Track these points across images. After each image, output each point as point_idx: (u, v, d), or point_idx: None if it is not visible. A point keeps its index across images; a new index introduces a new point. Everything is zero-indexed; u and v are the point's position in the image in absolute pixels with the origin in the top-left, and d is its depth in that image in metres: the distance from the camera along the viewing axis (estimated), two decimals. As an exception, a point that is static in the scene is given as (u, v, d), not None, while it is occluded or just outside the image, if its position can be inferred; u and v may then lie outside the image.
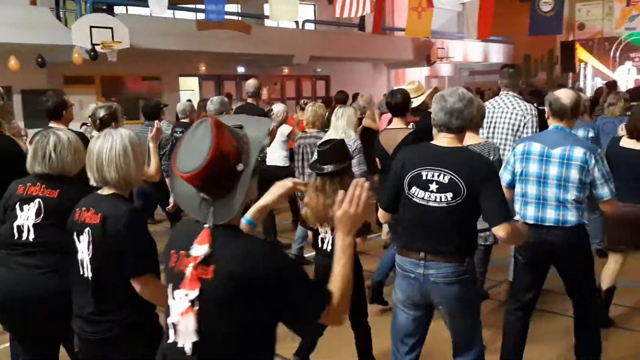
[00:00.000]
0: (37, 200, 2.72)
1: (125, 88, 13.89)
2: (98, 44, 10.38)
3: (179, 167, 1.56)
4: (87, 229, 2.32)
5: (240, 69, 16.55)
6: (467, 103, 2.72)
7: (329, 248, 3.32)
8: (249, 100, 6.70)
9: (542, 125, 4.30)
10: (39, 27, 10.26)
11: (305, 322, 1.72)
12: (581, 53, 22.26)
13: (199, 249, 1.58)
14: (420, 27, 12.81)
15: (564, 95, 3.36)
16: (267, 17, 12.56)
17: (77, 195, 2.56)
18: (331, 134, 4.97)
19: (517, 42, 21.94)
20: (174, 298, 1.65)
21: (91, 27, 10.35)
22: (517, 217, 3.37)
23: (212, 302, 1.58)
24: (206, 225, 1.59)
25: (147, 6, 10.62)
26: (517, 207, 3.41)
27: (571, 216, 3.24)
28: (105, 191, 2.42)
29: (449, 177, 2.63)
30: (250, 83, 6.66)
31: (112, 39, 10.57)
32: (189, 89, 15.51)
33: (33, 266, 2.69)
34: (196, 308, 1.58)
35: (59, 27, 10.89)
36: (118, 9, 12.96)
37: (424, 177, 2.70)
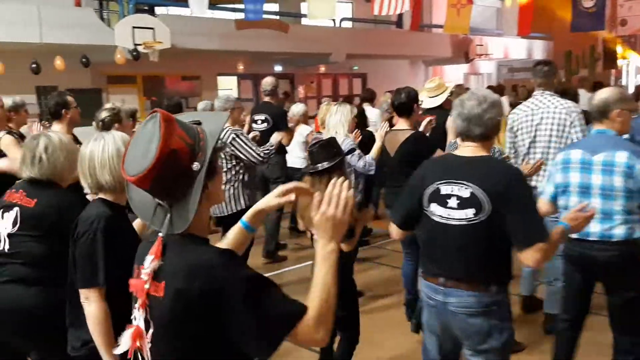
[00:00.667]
0: (15, 209, 2.59)
1: (165, 87, 14.12)
2: (140, 44, 10.58)
3: (126, 170, 1.38)
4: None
5: (277, 68, 16.65)
6: (488, 107, 2.38)
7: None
8: (266, 99, 6.50)
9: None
10: (83, 28, 10.51)
11: (267, 343, 1.38)
12: (625, 51, 21.67)
13: (148, 263, 1.42)
14: (459, 24, 12.68)
15: (604, 94, 3.07)
16: (305, 15, 12.60)
17: (61, 204, 2.50)
18: (324, 133, 4.84)
19: (557, 38, 21.46)
20: (135, 318, 1.49)
21: (133, 27, 10.56)
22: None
23: (162, 324, 1.41)
24: (160, 234, 1.42)
25: (188, 6, 10.77)
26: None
27: (619, 229, 2.93)
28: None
29: (469, 191, 2.30)
30: (267, 81, 6.47)
31: (154, 39, 10.76)
32: (227, 88, 15.67)
33: (3, 278, 2.56)
34: (151, 331, 1.43)
35: (102, 28, 11.13)
36: (159, 10, 13.18)
37: (443, 192, 2.39)
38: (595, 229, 2.94)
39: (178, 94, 13.42)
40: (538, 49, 22.50)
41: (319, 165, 3.10)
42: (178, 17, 12.76)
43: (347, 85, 18.60)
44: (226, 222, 4.95)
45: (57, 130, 3.93)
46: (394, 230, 2.72)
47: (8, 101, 4.40)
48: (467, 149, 2.45)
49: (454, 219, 2.35)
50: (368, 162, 4.47)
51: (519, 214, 2.26)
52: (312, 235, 3.22)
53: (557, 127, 4.13)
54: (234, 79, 15.86)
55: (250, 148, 4.76)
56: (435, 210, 2.41)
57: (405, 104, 4.31)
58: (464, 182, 2.33)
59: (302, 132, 6.27)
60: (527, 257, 2.25)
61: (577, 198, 3.00)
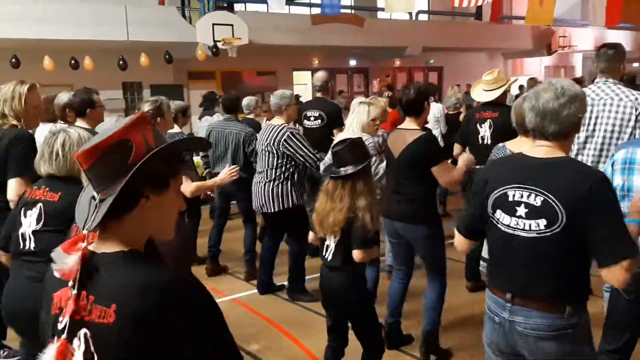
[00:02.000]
0: (39, 205, 2.49)
1: (242, 82, 14.45)
2: (219, 41, 10.88)
3: (79, 149, 1.30)
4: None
5: (352, 62, 16.65)
6: (567, 101, 2.07)
7: (330, 257, 3.04)
8: (318, 94, 6.11)
9: None
10: (166, 26, 10.94)
11: None
12: None
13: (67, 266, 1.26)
14: (541, 15, 12.16)
15: None
16: (382, 9, 12.51)
17: None
18: (344, 133, 4.56)
19: (649, 28, 20.26)
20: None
21: (213, 24, 10.87)
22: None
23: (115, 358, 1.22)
24: (85, 230, 1.27)
25: (266, 2, 10.95)
26: None
27: None
28: None
29: (542, 199, 2.01)
30: (318, 76, 6.07)
31: (232, 35, 11.02)
32: (302, 82, 15.84)
33: (31, 277, 2.44)
34: None
35: (184, 25, 11.53)
36: (238, 7, 13.49)
37: (511, 198, 2.10)
38: None
39: (254, 88, 13.74)
40: (627, 40, 21.29)
41: (342, 169, 2.94)
42: (256, 14, 13.01)
43: (422, 78, 18.35)
44: (271, 220, 4.87)
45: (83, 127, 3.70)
46: (458, 241, 2.41)
47: (64, 97, 4.22)
48: (540, 149, 2.13)
49: (522, 229, 2.07)
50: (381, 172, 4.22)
51: (603, 226, 1.95)
52: (324, 244, 3.08)
53: (619, 121, 3.62)
54: (309, 73, 16.00)
55: (307, 149, 4.59)
56: (502, 219, 2.14)
57: (415, 101, 3.74)
58: (535, 189, 2.04)
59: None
60: (612, 276, 1.95)
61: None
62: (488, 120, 4.83)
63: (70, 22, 9.94)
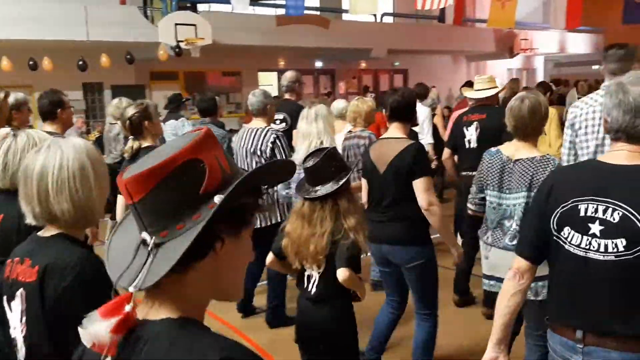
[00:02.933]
0: None
1: (206, 83, 14.27)
2: (182, 41, 10.72)
3: (123, 176, 0.95)
4: (20, 290, 1.55)
5: (318, 64, 16.62)
6: None
7: (314, 289, 2.63)
8: (286, 95, 5.58)
9: None
10: (128, 26, 10.72)
11: None
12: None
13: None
14: (503, 18, 12.37)
15: None
16: (346, 11, 12.52)
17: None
18: (301, 143, 4.01)
19: (608, 31, 20.75)
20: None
21: (176, 24, 10.70)
22: None
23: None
24: (131, 288, 0.91)
25: (229, 3, 10.84)
26: None
27: None
28: (50, 231, 1.63)
29: (620, 214, 1.70)
30: (287, 76, 5.54)
31: (196, 35, 10.87)
32: (268, 83, 15.74)
33: None
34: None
35: (146, 25, 11.34)
36: (201, 7, 13.33)
37: (583, 213, 1.78)
38: None
39: (219, 89, 13.59)
40: (587, 43, 21.81)
41: (320, 188, 2.55)
42: (219, 14, 12.87)
43: (387, 80, 18.44)
44: (259, 236, 4.40)
45: (50, 131, 3.36)
46: (518, 264, 1.97)
47: (10, 99, 3.96)
48: (621, 154, 1.80)
49: (596, 251, 1.75)
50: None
51: None
52: (302, 272, 2.70)
53: None
54: (275, 74, 15.90)
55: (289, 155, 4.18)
56: (570, 237, 1.81)
57: (402, 106, 3.35)
58: (614, 202, 1.72)
59: (344, 131, 5.33)
60: None
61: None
62: (475, 123, 4.62)
63: (29, 21, 9.65)
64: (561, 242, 1.84)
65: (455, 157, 4.90)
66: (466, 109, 5.26)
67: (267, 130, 4.26)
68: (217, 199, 0.93)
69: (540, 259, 1.97)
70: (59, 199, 1.56)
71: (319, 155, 2.60)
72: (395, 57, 17.20)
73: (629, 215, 1.69)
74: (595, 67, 20.86)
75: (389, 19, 17.67)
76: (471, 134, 4.62)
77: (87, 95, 12.47)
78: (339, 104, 5.76)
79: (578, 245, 1.79)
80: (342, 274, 2.52)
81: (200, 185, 0.93)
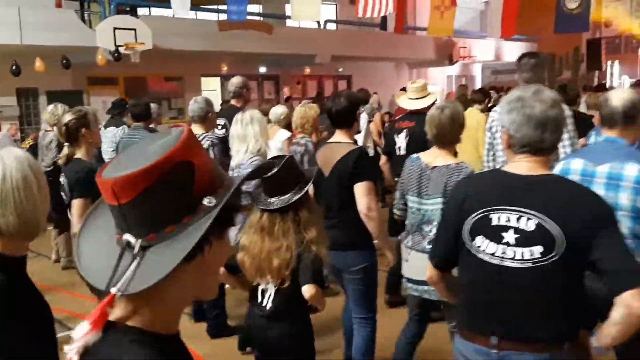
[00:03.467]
0: None
1: (148, 89, 14.01)
2: (121, 46, 10.49)
3: (104, 173, 0.91)
4: None
5: (262, 69, 16.59)
6: (561, 110, 1.86)
7: (269, 304, 2.50)
8: (232, 101, 5.53)
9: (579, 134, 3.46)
10: (64, 29, 10.39)
11: None
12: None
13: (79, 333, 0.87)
14: (442, 26, 12.67)
15: (616, 96, 2.58)
16: (289, 17, 12.55)
17: None
18: (237, 146, 3.91)
19: (541, 40, 21.61)
20: None
21: (115, 28, 10.46)
22: None
23: None
24: (114, 290, 0.86)
25: (170, 7, 10.69)
26: None
27: None
28: None
29: (535, 222, 1.76)
30: (233, 81, 5.46)
31: (135, 40, 10.66)
32: (211, 89, 15.58)
33: None
34: None
35: (83, 29, 11.03)
36: (141, 11, 13.08)
37: (495, 222, 1.82)
38: None
39: (161, 94, 13.37)
40: (522, 51, 22.58)
41: (275, 199, 2.42)
42: (160, 18, 12.68)
43: (332, 86, 18.58)
44: None
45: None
46: (430, 272, 2.07)
47: None
48: (522, 165, 1.86)
49: (512, 259, 1.79)
50: None
51: (613, 251, 1.74)
52: (255, 286, 2.59)
53: None
54: (218, 80, 15.76)
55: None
56: (484, 246, 1.84)
57: (345, 111, 3.31)
58: (527, 210, 1.77)
59: (280, 137, 5.17)
60: (634, 304, 1.68)
61: None
62: (405, 130, 4.69)
63: (-43, 23, 9.24)
64: (474, 251, 1.86)
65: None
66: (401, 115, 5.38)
67: (203, 137, 4.21)
68: (207, 201, 0.91)
69: (450, 268, 2.05)
70: (3, 212, 1.51)
71: (278, 164, 2.42)
72: (339, 63, 17.36)
73: (544, 223, 1.75)
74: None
75: (332, 26, 17.83)
76: (401, 141, 4.71)
77: (21, 101, 12.01)
78: (278, 110, 5.71)
79: (493, 254, 1.82)
80: (309, 290, 2.41)
81: (190, 188, 0.91)
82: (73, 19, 11.04)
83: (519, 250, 1.78)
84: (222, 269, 2.59)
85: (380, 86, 15.92)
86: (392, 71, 19.77)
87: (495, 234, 1.82)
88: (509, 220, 1.80)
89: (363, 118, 7.28)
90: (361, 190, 3.16)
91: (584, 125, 5.56)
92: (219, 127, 5.20)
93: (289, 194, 2.40)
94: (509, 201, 1.81)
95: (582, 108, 7.05)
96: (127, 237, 0.89)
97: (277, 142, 5.22)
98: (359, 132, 6.04)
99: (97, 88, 12.72)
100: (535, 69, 3.63)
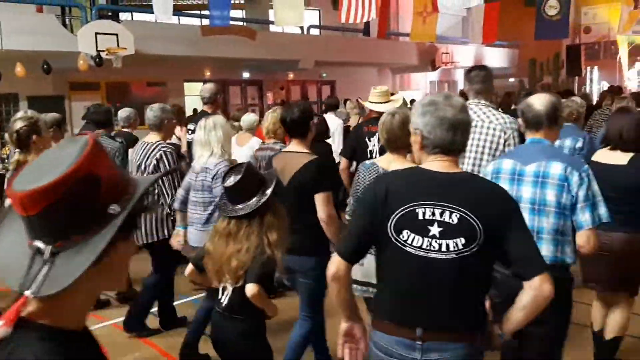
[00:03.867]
0: None
1: (130, 94, 13.92)
2: (103, 51, 10.41)
3: (14, 186, 0.94)
4: None
5: (246, 74, 16.57)
6: (468, 114, 2.03)
7: (226, 302, 2.63)
8: (204, 107, 5.59)
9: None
10: (45, 34, 10.29)
11: None
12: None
13: None
14: (425, 32, 12.79)
15: (538, 101, 2.77)
16: (272, 22, 12.56)
17: None
18: (200, 151, 3.92)
19: (522, 46, 21.90)
20: None
21: (96, 33, 10.39)
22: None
23: None
24: (27, 293, 0.92)
25: (152, 12, 10.64)
26: None
27: (546, 250, 2.55)
28: None
29: (458, 215, 1.88)
30: (206, 88, 5.58)
31: (117, 45, 10.59)
32: (194, 94, 15.52)
33: None
34: None
35: (64, 34, 10.93)
36: (123, 16, 13.00)
37: (421, 217, 1.90)
38: None
39: (143, 100, 13.27)
40: (503, 57, 22.89)
41: (241, 206, 2.51)
42: (142, 23, 12.62)
43: (315, 92, 18.62)
44: (158, 249, 4.29)
45: None
46: (337, 265, 2.03)
47: None
48: (440, 164, 1.98)
49: (438, 251, 1.88)
50: None
51: (522, 241, 1.91)
52: (217, 290, 2.70)
53: (489, 143, 3.62)
54: (201, 85, 15.70)
55: (170, 182, 4.17)
56: (411, 240, 1.91)
57: (299, 121, 3.44)
58: (451, 205, 1.89)
59: (253, 144, 5.17)
60: (542, 284, 1.85)
61: None
62: (377, 134, 4.67)
63: None
64: (400, 245, 1.92)
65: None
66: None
67: (157, 146, 4.24)
68: (112, 209, 0.98)
69: (356, 262, 2.10)
70: None
71: (239, 172, 2.54)
72: (323, 68, 17.41)
73: (466, 216, 1.87)
74: (512, 79, 21.95)
75: (315, 31, 17.88)
76: (374, 145, 4.71)
77: (1, 107, 11.87)
78: (249, 117, 5.80)
79: (419, 247, 1.90)
80: (250, 289, 2.50)
81: (96, 197, 0.96)
82: (54, 24, 10.94)
83: (444, 242, 1.88)
84: (190, 266, 2.82)
85: (363, 91, 15.89)
86: (376, 76, 19.86)
87: (421, 228, 1.90)
88: (433, 215, 1.90)
89: (335, 123, 7.35)
90: (321, 201, 3.30)
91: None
92: (189, 132, 5.32)
93: (254, 199, 2.51)
94: (432, 196, 1.92)
95: None
96: (37, 243, 0.95)
97: (249, 150, 5.29)
98: (328, 137, 6.15)
99: (79, 93, 12.60)
100: (485, 80, 3.83)
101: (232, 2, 10.94)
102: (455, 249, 1.87)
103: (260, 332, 2.71)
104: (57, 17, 11.42)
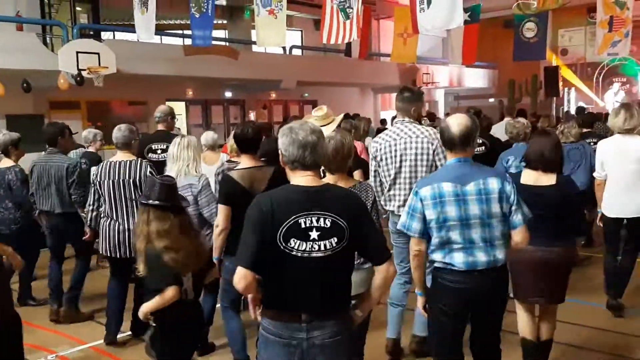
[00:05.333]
0: None
1: (111, 113, 13.84)
2: (84, 69, 10.36)
3: None
4: None
5: (228, 94, 16.59)
6: (320, 136, 2.43)
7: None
8: (159, 126, 6.07)
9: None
10: (25, 52, 10.22)
11: None
12: (565, 72, 22.63)
13: None
14: (405, 53, 12.95)
15: (454, 122, 2.98)
16: (255, 42, 12.63)
17: None
18: (171, 165, 4.44)
19: (501, 67, 22.24)
20: None
21: (78, 52, 10.33)
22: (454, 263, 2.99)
23: None
24: None
25: (135, 32, 10.64)
26: (437, 256, 3.03)
27: (500, 254, 2.98)
28: None
29: (330, 220, 2.32)
30: (160, 109, 6.12)
31: (99, 64, 10.55)
32: (176, 113, 15.48)
33: None
34: None
35: (45, 53, 10.86)
36: (105, 35, 12.98)
37: (303, 226, 2.31)
38: (482, 258, 2.95)
39: (125, 119, 13.19)
40: (483, 77, 23.21)
41: (150, 201, 3.09)
42: (124, 42, 12.61)
43: (297, 111, 18.68)
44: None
45: None
46: (242, 277, 2.32)
47: None
48: (305, 179, 2.39)
49: (317, 251, 2.32)
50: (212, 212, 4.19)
51: (374, 233, 2.45)
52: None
53: (420, 156, 4.01)
54: (183, 104, 15.69)
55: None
56: (297, 246, 2.31)
57: (251, 139, 3.86)
58: (322, 212, 2.33)
59: (224, 162, 5.54)
60: (390, 269, 2.45)
61: (459, 230, 2.94)
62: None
63: None
64: (287, 251, 2.32)
65: None
66: None
67: (142, 162, 4.58)
68: None
69: (260, 269, 2.37)
70: None
71: (168, 180, 3.22)
72: (305, 88, 17.50)
73: (336, 220, 2.33)
74: (492, 100, 22.23)
75: (297, 52, 18.00)
76: None
77: (-21, 125, 11.72)
78: (208, 135, 6.25)
79: (304, 250, 2.32)
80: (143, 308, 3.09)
81: None
82: (34, 42, 10.86)
83: (322, 243, 2.33)
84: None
85: (345, 111, 16.01)
86: (358, 96, 20.02)
87: (304, 235, 2.32)
88: (312, 222, 2.32)
89: None
90: None
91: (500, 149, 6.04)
92: (159, 151, 5.81)
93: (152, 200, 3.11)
94: (308, 207, 2.33)
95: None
96: None
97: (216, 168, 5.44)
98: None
99: (59, 112, 12.48)
100: (406, 100, 4.19)
101: (215, 22, 10.98)
102: (331, 247, 2.33)
103: (170, 330, 3.09)
104: (37, 36, 11.35)
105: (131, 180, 4.49)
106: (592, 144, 6.46)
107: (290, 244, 2.31)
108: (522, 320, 3.88)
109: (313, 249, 2.31)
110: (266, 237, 2.30)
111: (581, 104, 19.87)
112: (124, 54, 11.10)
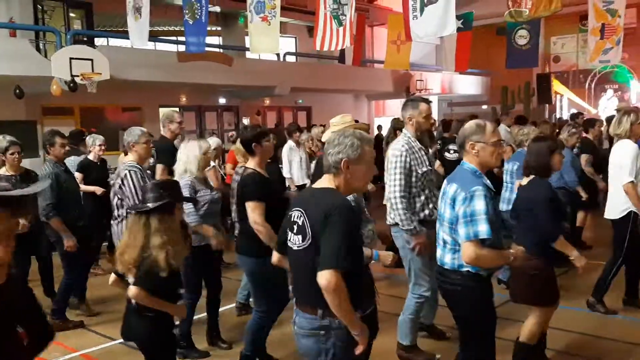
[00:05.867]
0: None
1: (105, 119, 13.82)
2: (78, 76, 10.34)
3: None
4: None
5: (222, 100, 16.60)
6: (332, 146, 2.56)
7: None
8: (162, 132, 6.13)
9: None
10: (18, 58, 10.22)
11: None
12: (557, 86, 22.76)
13: None
14: (399, 60, 12.98)
15: (464, 127, 3.13)
16: (249, 49, 12.65)
17: None
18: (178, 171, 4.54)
19: (494, 74, 22.32)
20: None
21: (71, 58, 10.32)
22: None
23: None
24: None
25: (128, 38, 10.64)
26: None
27: (447, 258, 3.04)
28: None
29: (302, 218, 2.49)
30: (163, 112, 6.36)
31: (92, 70, 10.53)
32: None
33: None
34: None
35: (38, 59, 10.86)
36: (99, 41, 12.96)
37: (292, 218, 2.55)
38: (439, 255, 3.14)
39: (118, 124, 13.18)
40: (475, 85, 23.31)
41: (139, 205, 3.08)
42: (118, 49, 12.60)
43: (291, 117, 18.71)
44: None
45: None
46: (276, 256, 2.81)
47: None
48: (321, 181, 2.60)
49: (294, 244, 2.54)
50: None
51: (325, 242, 2.38)
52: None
53: (387, 163, 4.26)
54: (177, 110, 15.68)
55: (133, 195, 4.37)
56: (290, 237, 2.57)
57: (246, 141, 4.06)
58: (301, 210, 2.51)
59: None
60: (322, 278, 2.33)
61: (439, 225, 3.15)
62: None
63: None
64: (288, 243, 2.58)
65: None
66: None
67: (125, 165, 4.60)
68: None
69: (284, 252, 2.69)
70: None
71: (158, 181, 3.27)
72: (299, 94, 17.53)
73: (305, 219, 2.46)
74: (485, 106, 22.33)
75: (291, 58, 18.03)
76: None
77: (-29, 131, 11.67)
78: (212, 141, 6.29)
79: (294, 243, 2.54)
80: (131, 292, 2.90)
81: None
82: (27, 48, 10.86)
83: (296, 237, 2.51)
84: (113, 276, 3.14)
85: (339, 118, 16.10)
86: (351, 102, 20.06)
87: (291, 227, 2.55)
88: (295, 217, 2.53)
89: (285, 150, 7.88)
90: (248, 208, 3.86)
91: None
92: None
93: (149, 204, 2.99)
94: (296, 204, 2.57)
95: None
96: None
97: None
98: (276, 159, 6.55)
99: (52, 118, 12.46)
100: (413, 107, 4.50)
101: (209, 28, 10.99)
102: (297, 243, 2.50)
103: (160, 329, 3.00)
104: (30, 42, 11.34)
105: (113, 183, 4.75)
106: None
107: (289, 237, 2.59)
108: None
109: (294, 242, 2.54)
110: (284, 226, 2.71)
111: (573, 110, 19.98)
112: (118, 60, 11.10)
